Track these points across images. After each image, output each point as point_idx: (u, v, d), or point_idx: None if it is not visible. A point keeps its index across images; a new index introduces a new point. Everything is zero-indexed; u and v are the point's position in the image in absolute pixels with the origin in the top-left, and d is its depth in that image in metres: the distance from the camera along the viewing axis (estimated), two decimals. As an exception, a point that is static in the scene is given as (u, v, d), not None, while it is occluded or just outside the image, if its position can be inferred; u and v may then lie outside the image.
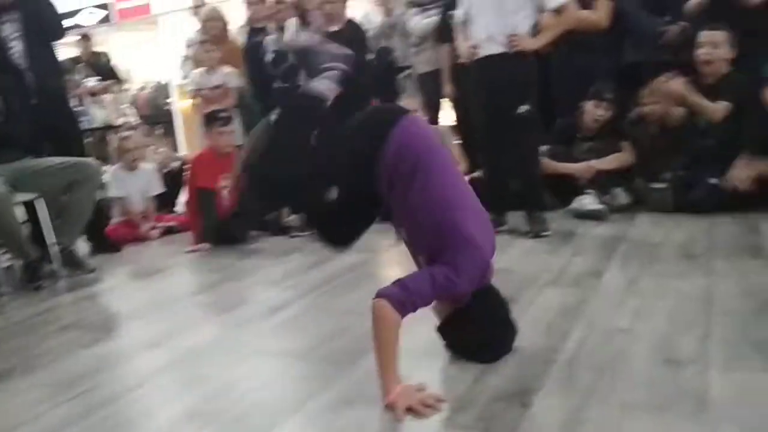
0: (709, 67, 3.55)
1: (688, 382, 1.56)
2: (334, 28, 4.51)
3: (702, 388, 1.52)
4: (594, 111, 3.82)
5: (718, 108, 3.51)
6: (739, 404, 1.44)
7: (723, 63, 3.54)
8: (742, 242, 2.81)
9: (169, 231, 4.54)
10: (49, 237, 3.37)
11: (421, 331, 2.07)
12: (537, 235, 3.27)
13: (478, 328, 1.75)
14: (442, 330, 1.82)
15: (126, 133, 4.80)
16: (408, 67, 4.81)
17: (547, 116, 4.28)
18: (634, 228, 3.27)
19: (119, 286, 3.33)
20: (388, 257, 3.25)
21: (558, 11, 3.44)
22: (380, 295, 1.61)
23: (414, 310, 1.62)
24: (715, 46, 3.50)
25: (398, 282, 1.63)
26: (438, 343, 1.87)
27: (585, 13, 3.93)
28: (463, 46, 3.71)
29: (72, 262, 3.45)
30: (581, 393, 1.56)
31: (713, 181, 3.42)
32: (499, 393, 1.60)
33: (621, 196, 3.67)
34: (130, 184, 4.51)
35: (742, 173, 3.32)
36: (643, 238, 3.04)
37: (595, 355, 1.77)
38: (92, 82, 7.32)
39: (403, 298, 1.59)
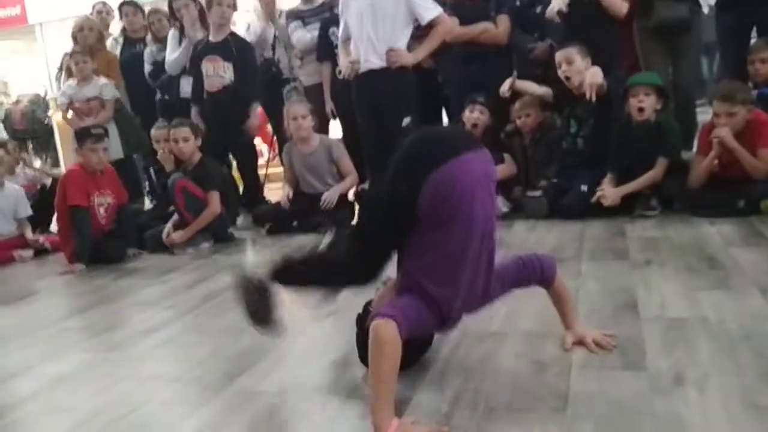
0: (571, 83, 3.74)
1: (551, 382, 1.62)
2: (219, 38, 4.45)
3: (563, 387, 1.59)
4: (470, 116, 3.94)
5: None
6: (596, 402, 1.51)
7: (581, 74, 3.72)
8: (608, 245, 2.97)
9: (41, 252, 4.30)
10: None
11: (296, 347, 2.06)
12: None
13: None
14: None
15: None
16: (294, 79, 4.79)
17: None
18: (511, 234, 3.39)
19: (-17, 312, 3.11)
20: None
21: (432, 24, 3.54)
22: (383, 315, 1.45)
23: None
24: (569, 62, 3.69)
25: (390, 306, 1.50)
26: (310, 358, 1.85)
27: (482, 26, 4.04)
28: (342, 62, 3.75)
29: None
30: (450, 399, 1.59)
31: (583, 188, 3.60)
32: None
33: (500, 205, 3.79)
34: None
35: (610, 194, 3.51)
36: (519, 243, 3.15)
37: (466, 359, 1.81)
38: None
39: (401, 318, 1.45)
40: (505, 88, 3.85)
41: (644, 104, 3.47)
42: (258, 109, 4.65)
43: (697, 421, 1.38)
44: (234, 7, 4.53)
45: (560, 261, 2.72)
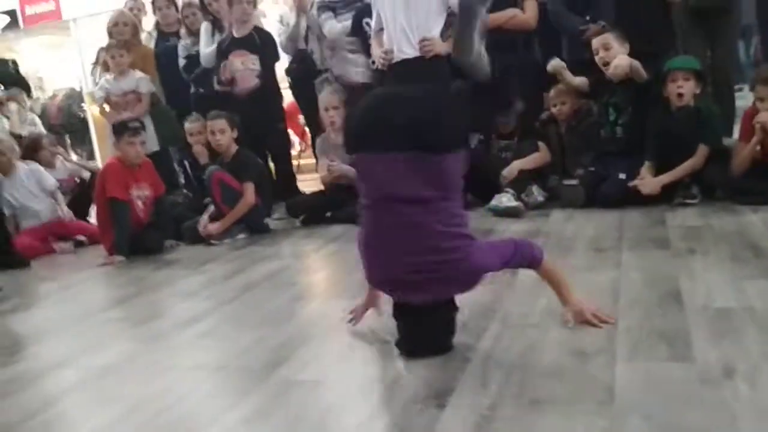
0: (608, 68, 3.67)
1: (596, 374, 1.60)
2: (243, 33, 4.49)
3: (609, 379, 1.56)
4: None
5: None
6: (644, 394, 1.48)
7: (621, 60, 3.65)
8: (648, 234, 2.92)
9: (80, 243, 4.38)
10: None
11: (337, 337, 2.07)
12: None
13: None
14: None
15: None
16: (326, 70, 4.79)
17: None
18: (549, 224, 3.35)
19: (27, 303, 3.19)
20: (308, 264, 3.23)
21: None
22: (539, 259, 1.88)
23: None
24: (606, 48, 3.63)
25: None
26: (352, 348, 1.86)
27: (511, 12, 3.99)
28: (375, 52, 3.73)
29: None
30: (494, 391, 1.57)
31: (622, 176, 3.55)
32: (415, 395, 1.60)
33: (536, 194, 3.75)
34: (16, 190, 4.31)
35: (650, 183, 3.45)
36: (557, 233, 3.12)
37: (508, 351, 1.80)
38: (-1, 90, 6.97)
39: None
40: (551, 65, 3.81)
41: (683, 90, 3.40)
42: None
43: (748, 414, 1.35)
44: (254, 4, 4.58)
45: (600, 250, 2.73)
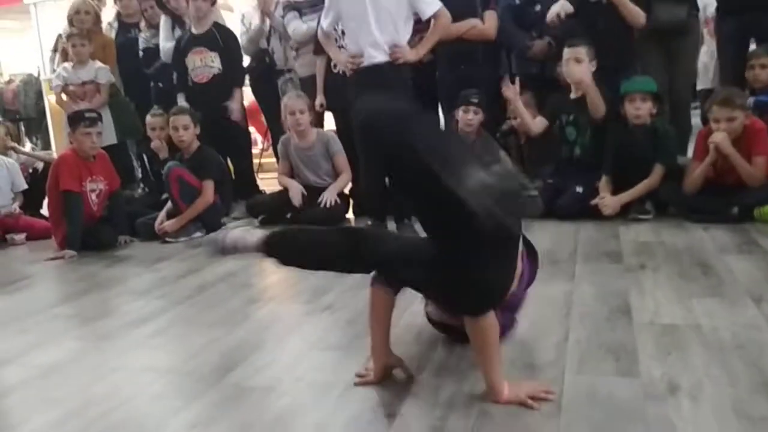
0: (574, 81, 3.73)
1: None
2: (201, 30, 4.44)
3: (557, 392, 1.58)
4: (464, 117, 3.93)
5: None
6: (590, 408, 1.51)
7: (587, 77, 3.72)
8: (602, 247, 2.98)
9: (30, 236, 4.26)
10: None
11: (291, 342, 2.06)
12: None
13: None
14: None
15: None
16: (290, 70, 4.76)
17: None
18: (506, 234, 3.38)
19: (-29, 297, 3.09)
20: (264, 266, 3.19)
21: (434, 18, 3.53)
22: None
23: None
24: (578, 61, 3.69)
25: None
26: (305, 354, 1.85)
27: (471, 22, 4.03)
28: (340, 57, 3.72)
29: None
30: (444, 402, 1.58)
31: (579, 189, 3.61)
32: (366, 405, 1.60)
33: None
34: None
35: (610, 203, 3.53)
36: (514, 244, 3.15)
37: (460, 363, 1.81)
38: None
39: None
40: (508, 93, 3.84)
41: (640, 111, 3.49)
42: (239, 95, 4.60)
43: (690, 430, 1.39)
44: (212, 2, 4.53)
45: (554, 262, 2.76)
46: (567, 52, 3.72)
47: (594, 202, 3.55)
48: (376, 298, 1.74)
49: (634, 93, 3.51)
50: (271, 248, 1.81)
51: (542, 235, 3.29)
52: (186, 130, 3.99)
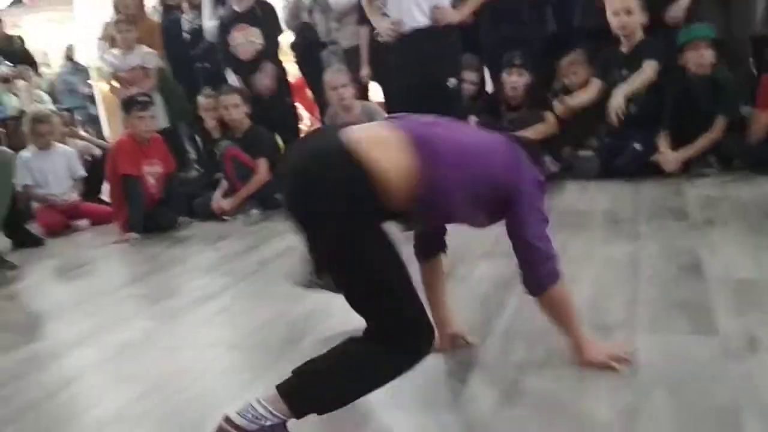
0: (625, 34, 3.61)
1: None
2: (244, 7, 4.43)
3: (631, 351, 1.55)
4: (508, 79, 3.85)
5: (649, 74, 3.56)
6: (667, 367, 1.48)
7: (638, 28, 3.60)
8: (666, 206, 2.90)
9: (93, 222, 4.38)
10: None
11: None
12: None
13: None
14: None
15: (41, 115, 4.55)
16: (333, 43, 4.73)
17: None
18: (563, 195, 3.33)
19: (43, 282, 3.19)
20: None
21: None
22: (549, 282, 1.49)
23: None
24: (628, 12, 3.56)
25: (537, 252, 1.48)
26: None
27: None
28: (381, 24, 3.66)
29: (-9, 259, 3.29)
30: (517, 365, 1.57)
31: (637, 146, 3.51)
32: (437, 370, 1.60)
33: (549, 164, 3.71)
34: (46, 168, 4.29)
35: (670, 158, 3.41)
36: (572, 205, 3.10)
37: (529, 324, 1.79)
38: (3, 67, 6.94)
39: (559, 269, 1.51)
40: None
41: (705, 59, 3.35)
42: (269, 68, 4.56)
43: (775, 386, 1.35)
44: None
45: (616, 222, 2.70)
46: (615, 2, 3.59)
47: (654, 158, 3.44)
48: (421, 270, 1.67)
49: (697, 40, 3.37)
50: None
51: (601, 195, 3.23)
52: (236, 108, 4.02)
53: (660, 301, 1.84)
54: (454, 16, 3.49)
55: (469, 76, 4.01)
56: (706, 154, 3.39)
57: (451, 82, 3.56)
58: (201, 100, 4.47)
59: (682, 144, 3.45)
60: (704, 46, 3.36)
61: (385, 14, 3.74)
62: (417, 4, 3.47)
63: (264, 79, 4.48)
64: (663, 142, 3.47)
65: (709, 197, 2.93)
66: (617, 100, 3.46)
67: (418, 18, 3.45)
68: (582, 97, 3.77)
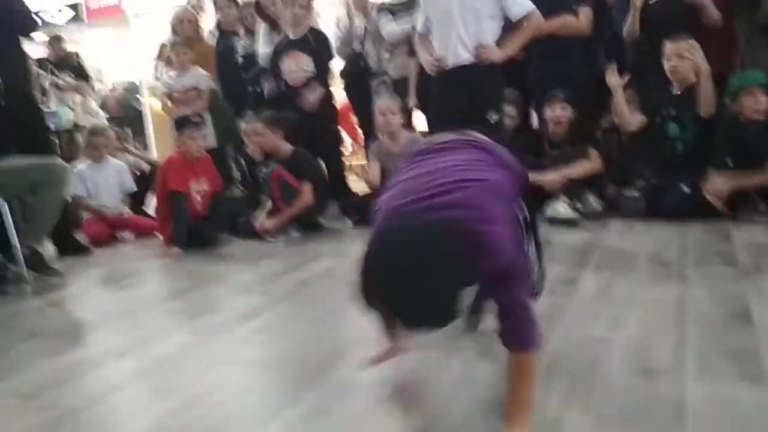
0: (677, 78, 3.59)
1: (664, 392, 1.55)
2: (298, 35, 4.53)
3: (678, 398, 1.52)
4: (551, 114, 3.85)
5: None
6: (715, 414, 1.44)
7: (691, 72, 3.58)
8: (713, 249, 2.84)
9: (138, 235, 4.47)
10: (14, 240, 3.27)
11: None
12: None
13: None
14: None
15: (98, 128, 4.70)
16: (383, 73, 4.80)
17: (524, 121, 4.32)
18: (607, 235, 3.29)
19: (87, 291, 3.26)
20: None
21: (525, 20, 3.46)
22: (533, 346, 1.44)
23: None
24: (680, 57, 3.54)
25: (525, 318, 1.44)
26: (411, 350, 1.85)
27: (571, 20, 3.95)
28: (426, 59, 3.71)
29: (38, 265, 3.36)
30: (558, 402, 1.54)
31: (685, 188, 3.46)
32: (477, 402, 1.58)
33: (593, 203, 3.68)
34: (100, 181, 4.41)
35: (718, 189, 3.35)
36: (616, 245, 3.06)
37: (571, 363, 1.76)
38: (67, 78, 7.17)
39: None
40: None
41: (761, 105, 3.31)
42: (318, 88, 4.59)
43: (829, 442, 1.30)
44: (308, 8, 4.58)
45: (663, 264, 2.65)
46: (669, 47, 3.59)
47: (702, 192, 3.37)
48: None
49: (753, 87, 3.34)
50: None
51: (647, 236, 3.18)
52: (259, 136, 4.09)
53: (709, 347, 1.80)
54: (498, 55, 3.50)
55: (508, 110, 4.02)
56: (756, 200, 3.32)
57: (492, 117, 3.57)
58: (242, 125, 4.56)
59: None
60: (759, 92, 3.32)
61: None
62: (461, 41, 3.50)
63: (310, 95, 4.53)
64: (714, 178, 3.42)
65: (758, 244, 2.86)
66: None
67: (462, 54, 3.48)
68: (625, 110, 3.76)
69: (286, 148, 4.12)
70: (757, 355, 1.71)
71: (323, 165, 4.82)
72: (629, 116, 3.74)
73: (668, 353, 1.77)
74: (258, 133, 4.10)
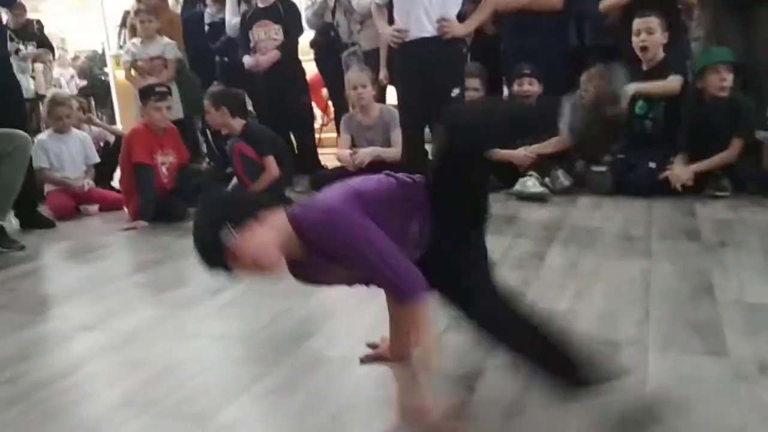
0: (646, 54, 3.62)
1: (628, 364, 1.59)
2: (267, 3, 4.46)
3: (641, 369, 1.55)
4: (519, 90, 3.86)
5: (674, 86, 3.58)
6: (676, 385, 1.48)
7: (659, 48, 3.62)
8: (678, 225, 2.89)
9: (103, 208, 4.39)
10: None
11: (366, 311, 2.06)
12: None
13: None
14: None
15: (60, 97, 4.57)
16: (353, 44, 4.75)
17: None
18: (575, 210, 3.32)
19: (52, 265, 3.21)
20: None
21: None
22: (414, 295, 1.39)
23: None
24: (650, 32, 3.57)
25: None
26: (381, 323, 1.86)
27: None
28: (386, 29, 3.67)
29: (1, 239, 3.29)
30: (523, 377, 1.56)
31: (652, 165, 3.50)
32: (445, 376, 1.60)
33: (562, 179, 3.72)
34: (63, 152, 4.31)
35: (682, 174, 3.40)
36: (584, 221, 3.09)
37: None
38: (30, 48, 6.96)
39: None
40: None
41: (726, 82, 3.35)
42: (273, 55, 4.52)
43: (786, 412, 1.34)
44: None
45: (629, 239, 2.69)
46: (637, 22, 3.61)
47: (663, 175, 3.43)
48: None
49: (718, 64, 3.38)
50: None
51: (614, 211, 3.23)
52: (208, 114, 4.02)
53: (672, 320, 1.84)
54: (460, 30, 3.48)
55: (472, 83, 4.00)
56: (720, 176, 3.38)
57: (454, 92, 3.56)
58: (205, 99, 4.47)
59: (698, 167, 3.45)
60: (725, 70, 3.36)
61: None
62: (426, 13, 3.46)
63: (261, 58, 4.47)
64: (678, 162, 3.47)
65: (722, 220, 2.92)
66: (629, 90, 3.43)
67: (426, 27, 3.45)
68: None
69: (235, 124, 3.99)
70: (718, 329, 1.76)
71: (294, 140, 4.78)
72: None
73: (632, 326, 1.81)
74: (207, 111, 4.02)
